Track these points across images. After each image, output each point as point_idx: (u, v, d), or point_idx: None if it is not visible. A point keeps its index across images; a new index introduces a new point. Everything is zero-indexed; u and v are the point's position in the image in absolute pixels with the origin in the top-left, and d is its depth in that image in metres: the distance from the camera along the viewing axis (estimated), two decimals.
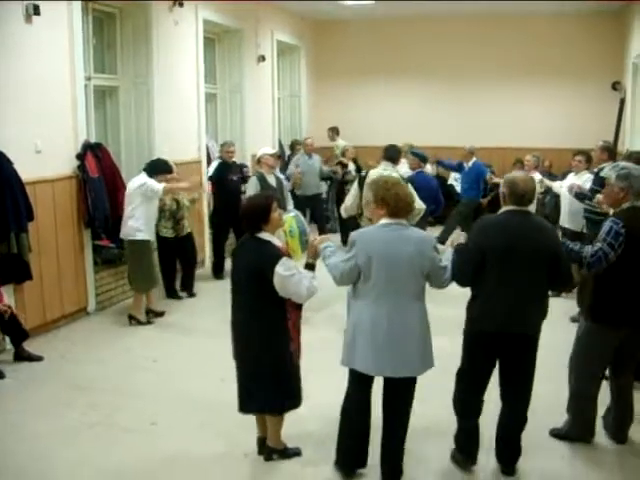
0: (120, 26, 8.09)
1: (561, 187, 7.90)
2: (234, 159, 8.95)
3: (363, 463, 4.10)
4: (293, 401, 4.15)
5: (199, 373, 5.69)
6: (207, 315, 7.11)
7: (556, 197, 8.86)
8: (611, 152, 7.38)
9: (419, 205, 5.96)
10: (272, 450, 4.29)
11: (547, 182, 8.65)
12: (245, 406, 4.21)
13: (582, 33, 12.07)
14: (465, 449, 4.21)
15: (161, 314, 7.14)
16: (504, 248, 3.84)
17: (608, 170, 4.49)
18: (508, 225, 3.92)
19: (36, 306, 6.42)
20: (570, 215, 7.52)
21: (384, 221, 3.87)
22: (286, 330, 4.03)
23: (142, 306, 6.97)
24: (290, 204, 7.67)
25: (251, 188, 7.45)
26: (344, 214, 7.02)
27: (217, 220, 8.81)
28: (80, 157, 6.83)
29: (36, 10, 6.12)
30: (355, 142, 12.42)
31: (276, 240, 4.12)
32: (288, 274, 3.87)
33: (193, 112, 9.15)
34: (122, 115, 8.22)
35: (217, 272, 8.74)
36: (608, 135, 11.38)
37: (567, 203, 7.60)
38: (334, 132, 12.53)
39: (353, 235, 3.91)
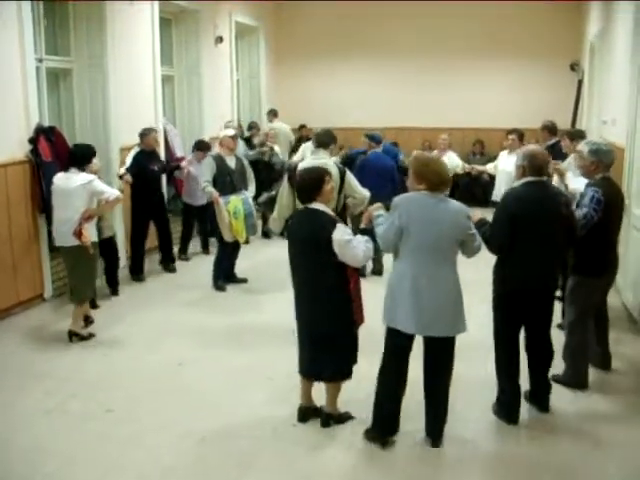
0: (73, 5, 7.91)
1: (495, 167, 8.63)
2: (155, 147, 8.12)
3: (395, 429, 4.29)
4: (349, 367, 4.38)
5: (155, 359, 5.68)
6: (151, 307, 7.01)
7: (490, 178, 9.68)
8: (551, 130, 8.03)
9: (360, 194, 5.82)
10: (329, 416, 4.48)
11: (479, 168, 9.34)
12: (314, 374, 4.42)
13: (542, 12, 12.13)
14: (509, 406, 4.57)
15: (91, 321, 6.34)
16: (532, 215, 4.34)
17: (583, 145, 5.06)
18: (533, 194, 4.40)
19: None
20: None
21: (426, 192, 4.09)
22: (349, 295, 4.24)
23: (82, 318, 6.20)
24: (251, 185, 7.62)
25: (206, 169, 7.39)
26: (274, 227, 6.46)
27: (136, 215, 7.92)
28: (33, 141, 6.70)
29: None
30: (314, 124, 12.40)
31: (329, 210, 4.32)
32: (346, 239, 4.10)
33: (149, 95, 9.03)
34: (76, 98, 8.08)
35: (136, 273, 7.96)
36: (567, 116, 11.58)
37: (508, 178, 7.87)
38: (272, 114, 12.40)
39: (396, 199, 4.14)
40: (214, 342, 6.07)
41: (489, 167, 8.93)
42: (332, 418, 4.50)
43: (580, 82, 11.37)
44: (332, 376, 4.39)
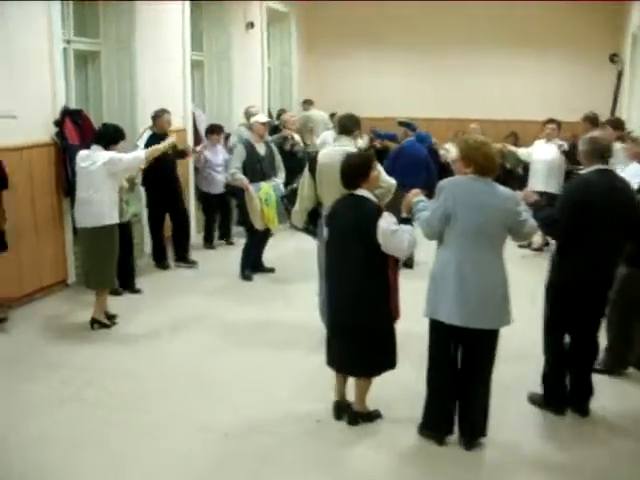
0: None
1: (529, 154, 8.58)
2: (170, 130, 7.59)
3: (451, 428, 4.09)
4: (392, 361, 4.22)
5: (177, 349, 5.52)
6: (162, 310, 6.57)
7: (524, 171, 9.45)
8: (593, 121, 7.94)
9: (387, 182, 5.27)
10: (358, 414, 4.29)
11: (510, 147, 9.16)
12: (347, 368, 4.25)
13: (581, 3, 11.75)
14: (556, 397, 4.48)
15: (114, 316, 6.11)
16: (601, 203, 4.13)
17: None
18: (603, 182, 4.19)
19: (13, 278, 6.20)
20: (547, 178, 8.14)
21: (473, 176, 3.90)
22: (389, 288, 4.11)
23: (105, 305, 6.05)
24: (281, 173, 7.44)
25: (236, 156, 7.20)
26: (296, 221, 5.85)
27: (152, 204, 7.71)
28: (58, 124, 6.59)
29: None
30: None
31: (374, 198, 4.17)
32: (393, 228, 3.95)
33: (178, 79, 8.87)
34: (104, 82, 7.95)
35: (159, 260, 7.83)
36: (605, 108, 11.19)
37: (545, 167, 8.22)
38: (308, 103, 12.17)
39: (442, 182, 3.97)
40: (240, 334, 5.90)
41: (522, 151, 8.81)
42: (361, 416, 4.31)
43: (620, 74, 10.99)
44: (369, 370, 4.21)
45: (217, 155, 8.68)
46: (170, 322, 6.13)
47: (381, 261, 4.06)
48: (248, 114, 8.90)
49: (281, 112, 11.18)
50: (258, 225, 7.10)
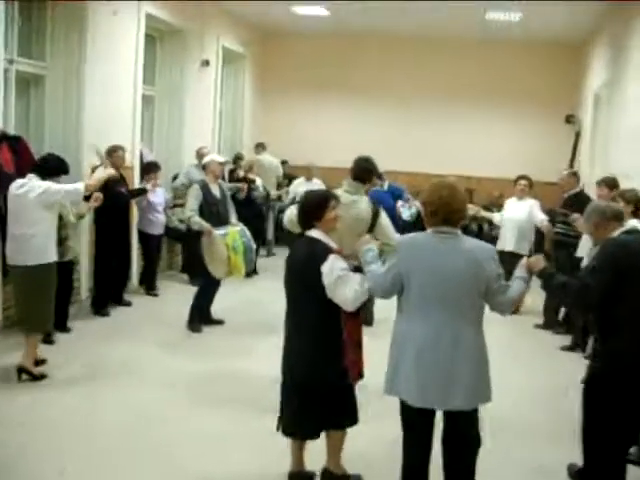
0: (52, 9, 7.21)
1: (502, 215, 8.17)
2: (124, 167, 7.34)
3: None
4: (351, 418, 3.74)
5: (117, 409, 4.86)
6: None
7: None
8: (578, 178, 7.66)
9: (394, 242, 4.33)
10: (332, 476, 3.80)
11: (484, 214, 8.51)
12: (296, 431, 3.74)
13: (537, 65, 11.79)
14: None
15: (43, 361, 5.49)
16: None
17: None
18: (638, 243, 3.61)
19: None
20: (519, 239, 7.81)
21: (432, 229, 3.40)
22: (340, 342, 3.57)
23: (35, 352, 5.38)
24: (234, 216, 6.91)
25: (192, 197, 6.62)
26: (289, 224, 5.11)
27: (101, 242, 7.18)
28: None
29: None
30: (297, 161, 11.84)
31: (329, 240, 3.69)
32: (337, 274, 3.47)
33: (128, 113, 8.32)
34: (47, 108, 7.32)
35: (100, 307, 7.16)
36: (559, 166, 11.15)
37: (516, 227, 7.87)
38: (261, 147, 11.78)
39: (399, 240, 3.62)
40: (188, 391, 5.27)
41: (497, 218, 8.28)
42: (337, 478, 3.77)
43: (577, 134, 10.98)
44: (309, 432, 3.71)
45: (157, 195, 8.14)
46: (109, 375, 5.48)
47: (331, 311, 3.55)
48: (200, 154, 8.46)
49: (238, 156, 10.70)
50: (219, 273, 6.51)
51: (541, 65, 11.76)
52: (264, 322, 7.05)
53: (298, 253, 3.71)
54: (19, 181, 5.22)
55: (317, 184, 10.01)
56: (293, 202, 10.45)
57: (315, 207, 3.69)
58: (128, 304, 7.56)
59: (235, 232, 6.50)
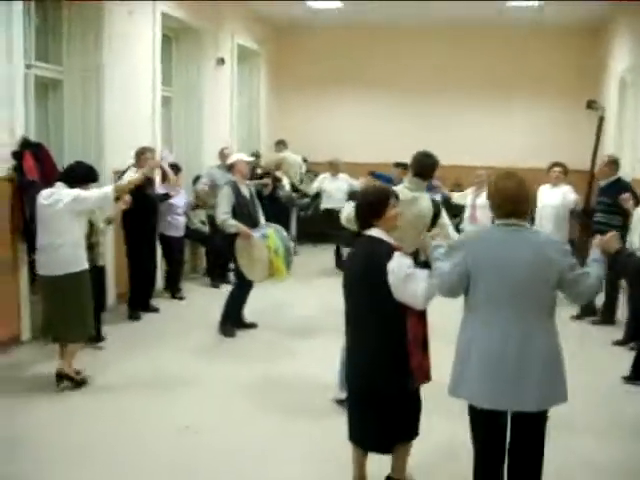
0: (68, 10, 7.05)
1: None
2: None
3: None
4: (409, 433, 3.55)
5: (154, 421, 4.68)
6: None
7: None
8: (617, 165, 7.34)
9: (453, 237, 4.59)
10: None
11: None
12: (359, 439, 3.58)
13: (557, 51, 11.58)
14: None
15: (77, 372, 5.24)
16: None
17: None
18: None
19: None
20: (555, 227, 7.63)
21: (498, 221, 3.26)
22: (404, 345, 3.38)
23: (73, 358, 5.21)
24: (262, 218, 6.71)
25: (224, 199, 6.37)
26: (347, 222, 4.82)
27: (132, 245, 7.05)
28: (17, 155, 5.77)
29: None
30: (315, 158, 11.66)
31: (389, 239, 3.50)
32: (406, 271, 3.32)
33: (147, 115, 8.15)
34: (66, 112, 7.15)
35: (134, 308, 7.09)
36: (583, 154, 10.89)
37: (552, 214, 7.74)
38: (282, 144, 11.60)
39: (461, 236, 3.57)
40: (230, 399, 5.06)
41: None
42: None
43: (602, 119, 10.70)
44: (377, 445, 3.53)
45: (179, 197, 7.99)
46: (148, 380, 5.33)
47: (396, 311, 3.37)
48: (224, 155, 8.34)
49: (256, 154, 10.52)
50: (258, 277, 6.31)
51: (560, 51, 11.56)
52: (299, 324, 6.96)
53: (358, 254, 3.54)
54: (47, 190, 5.06)
55: (344, 179, 9.78)
56: (316, 197, 10.31)
57: (375, 205, 3.52)
58: (156, 310, 7.38)
59: (273, 234, 6.30)
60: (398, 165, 7.56)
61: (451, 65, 12.11)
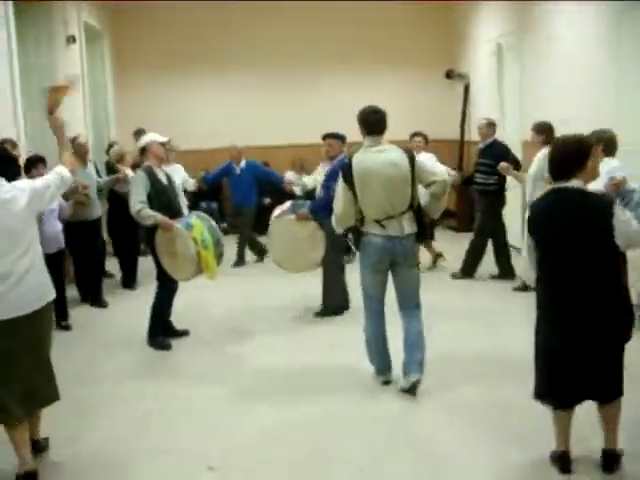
0: None
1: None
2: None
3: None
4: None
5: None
6: None
7: None
8: (494, 127, 7.76)
9: (441, 175, 4.71)
10: (618, 457, 3.56)
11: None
12: (586, 393, 3.54)
13: (411, 24, 11.67)
14: None
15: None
16: None
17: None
18: None
19: None
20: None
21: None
22: (627, 295, 3.51)
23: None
24: (185, 207, 5.96)
25: (138, 186, 5.54)
26: (338, 228, 4.76)
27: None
28: None
29: None
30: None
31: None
32: (628, 216, 3.40)
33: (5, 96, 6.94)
34: None
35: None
36: (449, 123, 11.18)
37: None
38: (142, 134, 10.52)
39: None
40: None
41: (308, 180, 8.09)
42: (619, 459, 3.55)
43: (467, 87, 11.03)
44: (613, 393, 3.53)
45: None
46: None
47: (616, 262, 3.45)
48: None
49: (112, 144, 9.40)
50: (184, 275, 5.57)
51: (414, 24, 11.66)
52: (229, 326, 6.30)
53: (568, 208, 3.44)
54: None
55: (178, 168, 8.66)
56: None
57: (578, 155, 3.46)
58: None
59: (199, 224, 5.56)
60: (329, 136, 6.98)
61: (300, 38, 11.71)
